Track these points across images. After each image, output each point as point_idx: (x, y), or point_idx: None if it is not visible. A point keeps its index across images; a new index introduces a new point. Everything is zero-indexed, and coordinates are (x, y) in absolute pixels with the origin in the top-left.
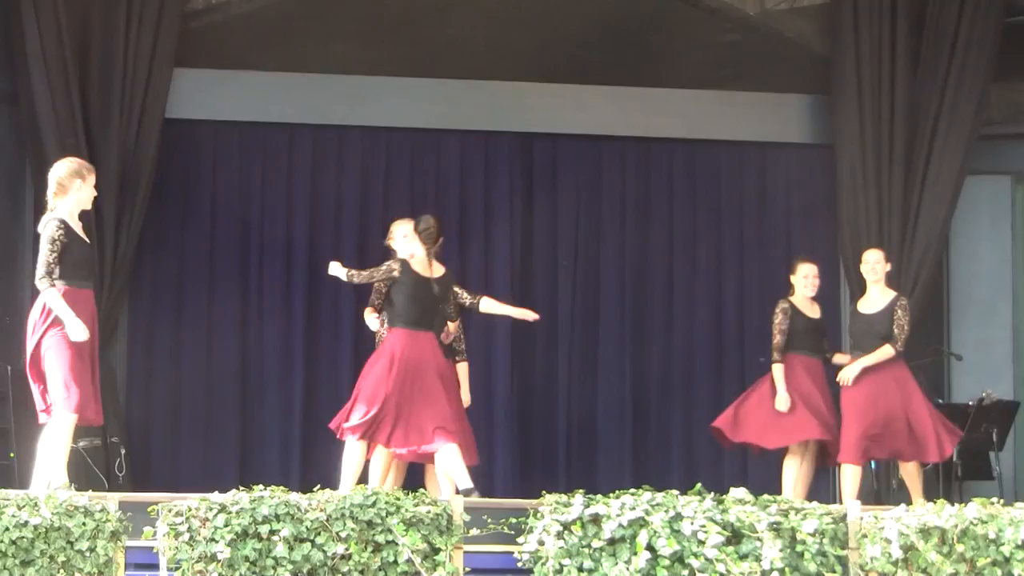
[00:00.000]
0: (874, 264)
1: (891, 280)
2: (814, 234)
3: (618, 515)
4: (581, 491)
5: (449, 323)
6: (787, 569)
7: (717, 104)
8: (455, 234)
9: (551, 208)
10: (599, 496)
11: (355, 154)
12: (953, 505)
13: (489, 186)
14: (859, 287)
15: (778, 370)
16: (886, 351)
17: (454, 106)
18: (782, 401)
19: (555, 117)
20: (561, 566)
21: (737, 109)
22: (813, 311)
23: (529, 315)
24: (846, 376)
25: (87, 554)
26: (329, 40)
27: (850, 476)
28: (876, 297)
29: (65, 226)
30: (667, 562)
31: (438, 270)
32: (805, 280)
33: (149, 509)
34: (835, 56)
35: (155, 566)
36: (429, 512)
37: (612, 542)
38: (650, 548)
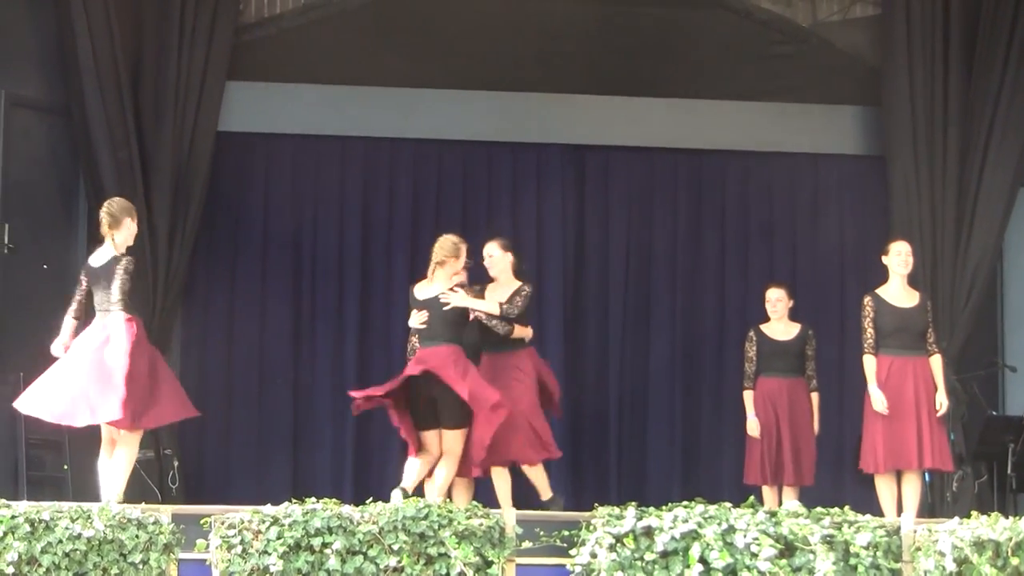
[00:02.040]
0: (906, 256)
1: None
2: (867, 245)
3: (671, 528)
4: (633, 504)
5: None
6: None
7: (769, 116)
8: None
9: (603, 220)
10: (651, 508)
11: (407, 167)
12: (1007, 518)
13: (541, 198)
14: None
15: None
16: (940, 361)
17: (506, 118)
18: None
19: (607, 129)
20: None
21: (789, 120)
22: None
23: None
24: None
25: (140, 567)
26: (381, 53)
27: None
28: (903, 291)
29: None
30: (720, 575)
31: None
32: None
33: (202, 521)
34: (887, 67)
35: None
36: (482, 525)
37: (665, 555)
38: (703, 561)
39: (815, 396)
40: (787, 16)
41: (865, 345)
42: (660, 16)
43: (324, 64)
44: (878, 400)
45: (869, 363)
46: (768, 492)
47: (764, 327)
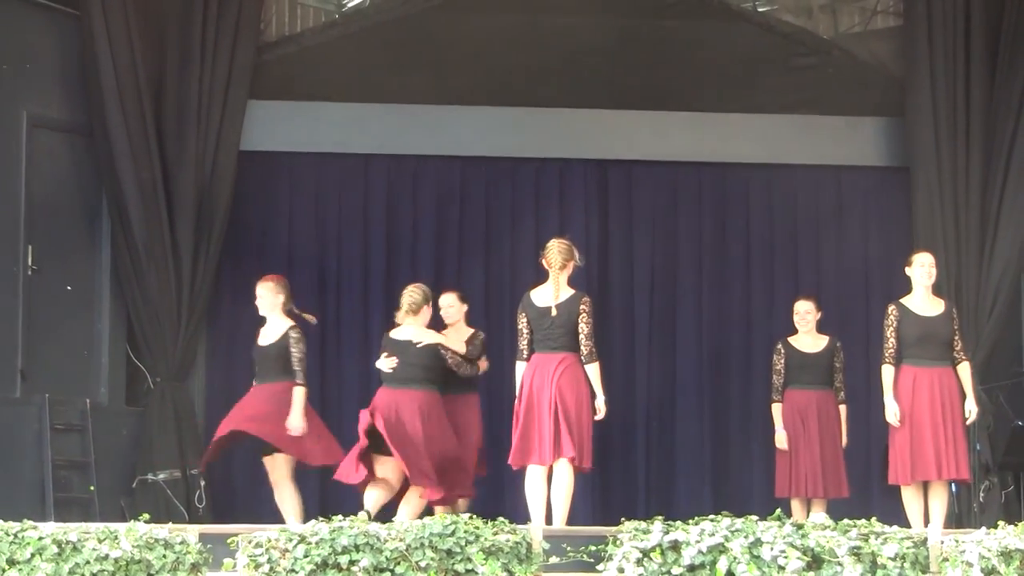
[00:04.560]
0: (930, 268)
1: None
2: (891, 257)
3: (697, 541)
4: (660, 517)
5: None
6: None
7: (792, 128)
8: (532, 262)
9: (626, 234)
10: (678, 522)
11: (430, 183)
12: None
13: (564, 213)
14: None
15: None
16: (968, 368)
17: (529, 134)
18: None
19: (630, 143)
20: None
21: (812, 133)
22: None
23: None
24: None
25: None
26: (404, 70)
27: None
28: (927, 301)
29: None
30: None
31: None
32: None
33: (229, 541)
34: (909, 77)
35: None
36: (508, 541)
37: (692, 568)
38: (730, 574)
39: (843, 408)
40: (809, 28)
41: (885, 355)
42: (682, 30)
43: (346, 82)
44: (892, 412)
45: (887, 373)
46: (797, 505)
47: (792, 339)
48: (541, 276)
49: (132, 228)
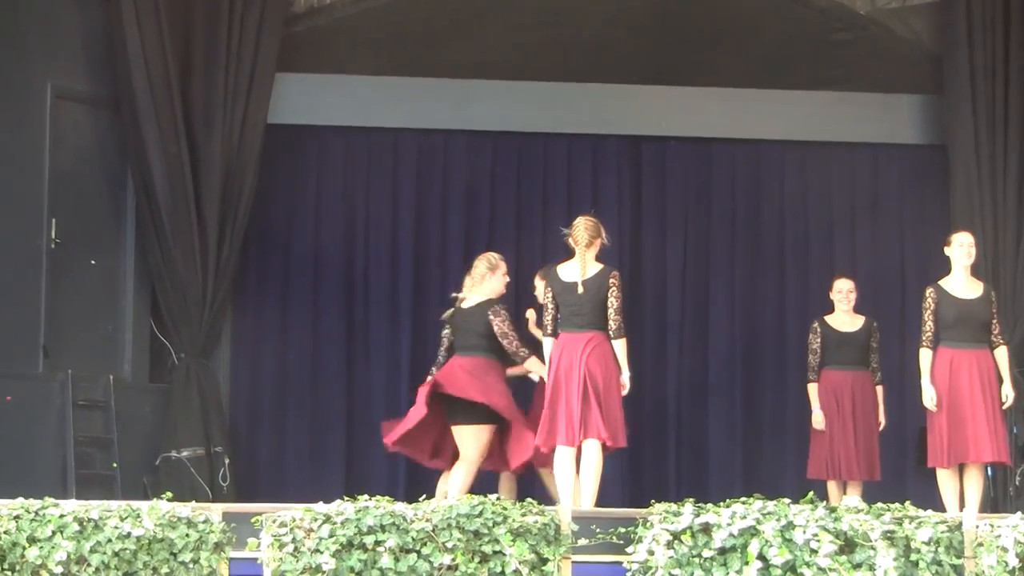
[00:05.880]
0: (969, 247)
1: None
2: (928, 237)
3: (729, 524)
4: (691, 500)
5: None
6: None
7: (828, 105)
8: (563, 241)
9: (659, 211)
10: (709, 505)
11: (461, 159)
12: None
13: (597, 191)
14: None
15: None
16: (1006, 352)
17: (561, 109)
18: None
19: (664, 120)
20: None
21: (848, 110)
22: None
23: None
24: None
25: (190, 566)
26: (434, 43)
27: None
28: (966, 282)
29: None
30: (779, 571)
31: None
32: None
33: (253, 520)
34: (947, 54)
35: None
36: (537, 522)
37: (723, 551)
38: (761, 557)
39: (879, 389)
40: (846, 3)
41: (923, 338)
42: (717, 4)
43: (376, 55)
44: (928, 396)
45: (925, 357)
46: (832, 487)
47: (829, 318)
48: (570, 253)
49: (157, 202)
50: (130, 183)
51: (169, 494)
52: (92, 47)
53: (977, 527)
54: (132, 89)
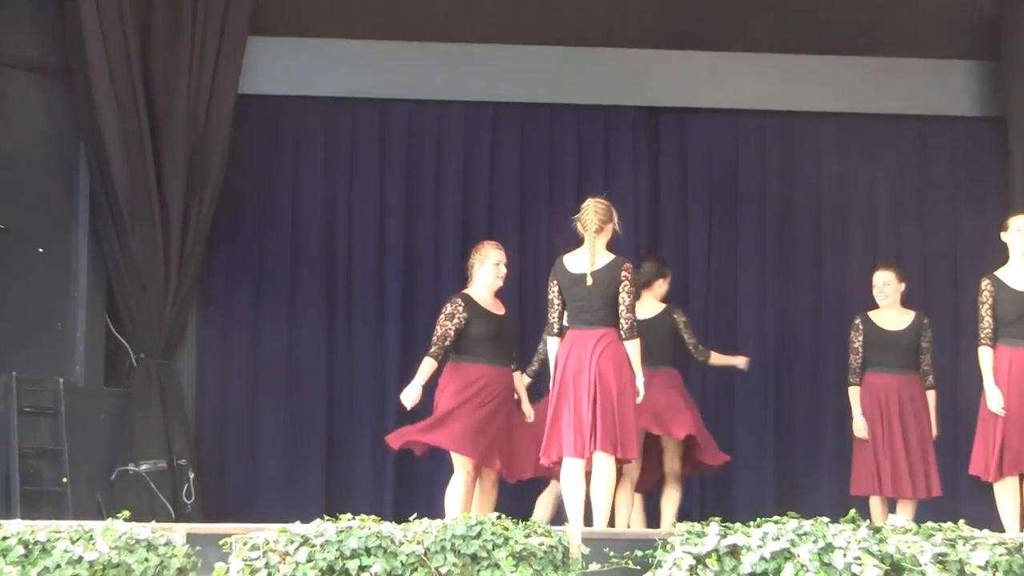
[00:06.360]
0: None
1: None
2: (983, 218)
3: (760, 546)
4: (717, 519)
5: None
6: None
7: (870, 72)
8: (571, 223)
9: (680, 192)
10: (737, 524)
11: (457, 132)
12: None
13: (609, 168)
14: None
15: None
16: None
17: (569, 77)
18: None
19: (684, 89)
20: None
21: (893, 78)
22: None
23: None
24: None
25: None
26: (427, 3)
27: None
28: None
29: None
30: None
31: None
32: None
33: (221, 542)
34: (1005, 15)
35: None
36: (543, 544)
37: None
38: None
39: (931, 394)
40: None
41: (982, 335)
42: None
43: (362, 16)
44: (994, 398)
45: (985, 355)
46: (876, 503)
47: (872, 314)
48: (580, 241)
49: (114, 184)
50: (83, 162)
51: (126, 513)
52: (40, 9)
53: None
54: (86, 55)
